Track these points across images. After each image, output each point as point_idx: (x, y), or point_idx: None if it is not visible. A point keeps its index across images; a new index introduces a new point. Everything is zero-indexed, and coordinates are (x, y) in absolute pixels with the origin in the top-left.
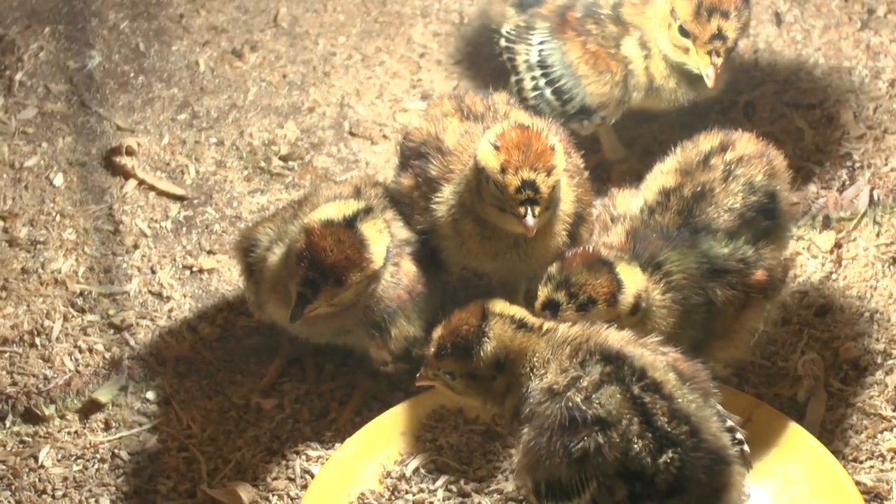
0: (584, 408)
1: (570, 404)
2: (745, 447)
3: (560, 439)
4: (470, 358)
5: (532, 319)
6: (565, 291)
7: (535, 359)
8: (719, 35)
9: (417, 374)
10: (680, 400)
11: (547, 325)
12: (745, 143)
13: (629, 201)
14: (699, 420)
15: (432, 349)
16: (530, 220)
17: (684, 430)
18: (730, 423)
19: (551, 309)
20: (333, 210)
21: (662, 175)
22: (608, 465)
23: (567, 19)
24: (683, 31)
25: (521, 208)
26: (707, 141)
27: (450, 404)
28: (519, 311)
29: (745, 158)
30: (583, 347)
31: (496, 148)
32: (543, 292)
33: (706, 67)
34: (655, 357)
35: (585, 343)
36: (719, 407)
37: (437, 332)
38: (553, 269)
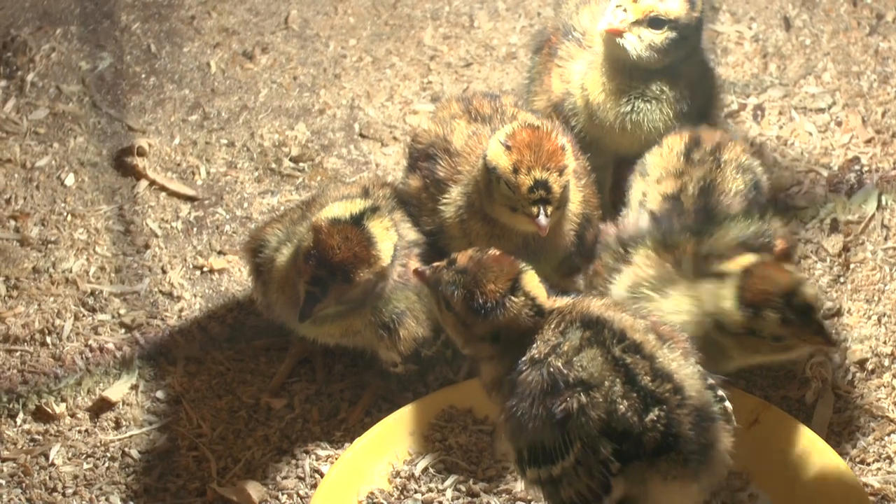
0: (565, 371)
1: (551, 369)
2: (728, 404)
3: (542, 403)
4: (477, 316)
5: (547, 304)
6: None
7: (530, 340)
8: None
9: (421, 268)
10: (661, 359)
11: (559, 303)
12: (709, 133)
13: (635, 224)
14: (682, 378)
15: (451, 273)
16: (543, 220)
17: (668, 388)
18: (710, 381)
19: None
20: (341, 209)
21: (654, 185)
22: (592, 426)
23: None
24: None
25: (533, 208)
26: (674, 142)
27: (459, 404)
28: (541, 294)
29: (721, 145)
30: (566, 318)
31: (507, 148)
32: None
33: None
34: (634, 320)
35: (569, 314)
36: (699, 366)
37: (464, 261)
38: None
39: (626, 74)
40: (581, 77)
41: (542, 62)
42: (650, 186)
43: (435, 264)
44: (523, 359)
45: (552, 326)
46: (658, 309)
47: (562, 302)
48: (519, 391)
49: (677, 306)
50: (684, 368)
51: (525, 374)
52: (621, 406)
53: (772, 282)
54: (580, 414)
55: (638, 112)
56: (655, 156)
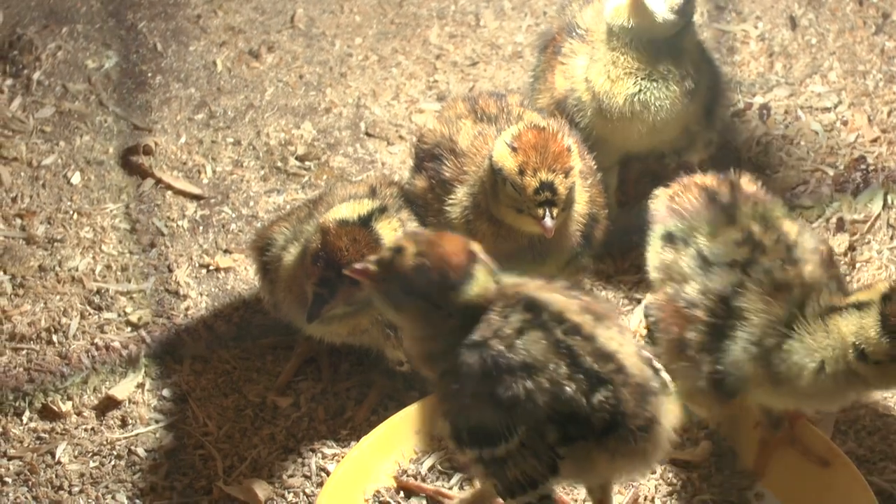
0: (508, 355)
1: (494, 352)
2: (665, 374)
3: (485, 387)
4: (450, 292)
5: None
6: None
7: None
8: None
9: (357, 267)
10: (601, 339)
11: (504, 280)
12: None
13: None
14: (623, 356)
15: (408, 260)
16: (549, 222)
17: (611, 367)
18: (646, 354)
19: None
20: (348, 210)
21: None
22: (539, 410)
23: None
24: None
25: (539, 210)
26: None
27: None
28: (494, 265)
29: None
30: (508, 300)
31: (513, 149)
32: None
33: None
34: (568, 300)
35: (511, 296)
36: (634, 341)
37: (415, 246)
38: None
39: (642, 50)
40: (584, 71)
41: (546, 60)
42: (707, 242)
43: (366, 262)
44: (465, 340)
45: (496, 308)
46: (794, 351)
47: (504, 280)
48: (462, 373)
49: (816, 344)
50: (623, 346)
51: (467, 356)
52: (568, 389)
53: None
54: (528, 400)
55: (645, 91)
56: (710, 231)
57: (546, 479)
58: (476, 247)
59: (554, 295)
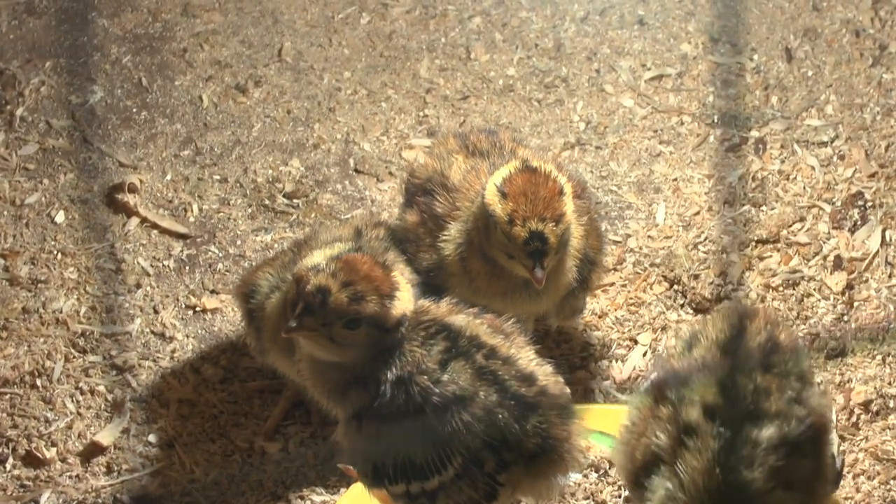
0: (437, 389)
1: (420, 387)
2: (567, 389)
3: (418, 424)
4: (392, 306)
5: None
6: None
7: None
8: None
9: (291, 324)
10: (520, 361)
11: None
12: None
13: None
14: (540, 376)
15: (343, 296)
16: (539, 273)
17: (535, 390)
18: (548, 367)
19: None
20: (321, 257)
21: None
22: (476, 440)
23: None
24: None
25: (529, 260)
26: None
27: None
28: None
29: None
30: (427, 329)
31: (503, 195)
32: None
33: None
34: (476, 322)
35: (430, 324)
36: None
37: (338, 280)
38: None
39: None
40: None
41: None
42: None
43: (294, 319)
44: (388, 376)
45: (417, 339)
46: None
47: (417, 304)
48: (388, 412)
49: None
50: (540, 366)
51: (391, 394)
52: (501, 417)
53: None
54: (467, 431)
55: None
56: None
57: None
58: (387, 259)
59: (462, 317)
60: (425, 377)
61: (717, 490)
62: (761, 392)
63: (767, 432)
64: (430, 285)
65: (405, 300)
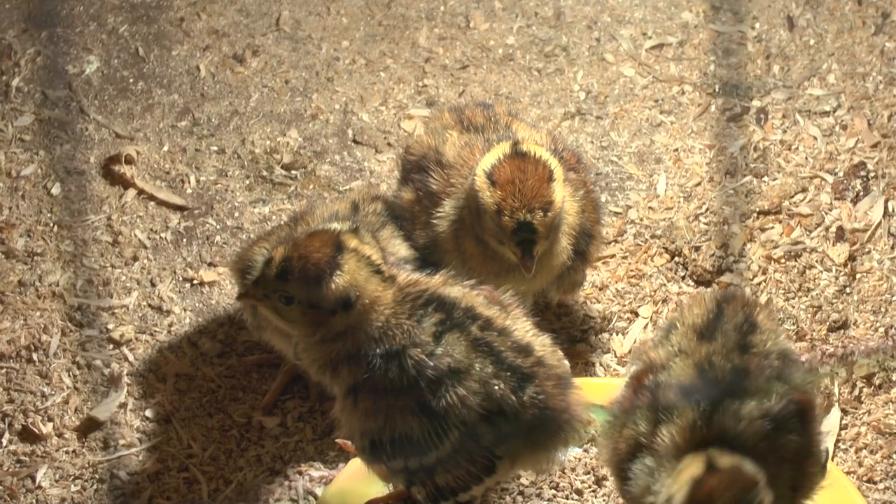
0: (431, 362)
1: (414, 360)
2: (565, 360)
3: (412, 399)
4: (319, 287)
5: (385, 267)
6: None
7: (382, 318)
8: None
9: (242, 292)
10: (516, 332)
11: (400, 277)
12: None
13: None
14: (538, 347)
15: (274, 269)
16: (527, 262)
17: (531, 360)
18: (546, 337)
19: None
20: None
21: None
22: (472, 414)
23: None
24: None
25: (518, 248)
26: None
27: None
28: (375, 254)
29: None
30: (417, 301)
31: (492, 183)
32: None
33: None
34: (472, 294)
35: (419, 297)
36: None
37: (281, 253)
38: None
39: None
40: None
41: None
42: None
43: (249, 287)
44: (377, 351)
45: (404, 311)
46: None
47: (404, 277)
48: (381, 387)
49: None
50: (536, 336)
51: (384, 368)
52: (497, 388)
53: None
54: (462, 405)
55: None
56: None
57: (481, 480)
58: (350, 238)
59: (457, 289)
60: (419, 350)
61: (703, 442)
62: (739, 371)
63: (748, 407)
64: (428, 262)
65: (350, 281)
